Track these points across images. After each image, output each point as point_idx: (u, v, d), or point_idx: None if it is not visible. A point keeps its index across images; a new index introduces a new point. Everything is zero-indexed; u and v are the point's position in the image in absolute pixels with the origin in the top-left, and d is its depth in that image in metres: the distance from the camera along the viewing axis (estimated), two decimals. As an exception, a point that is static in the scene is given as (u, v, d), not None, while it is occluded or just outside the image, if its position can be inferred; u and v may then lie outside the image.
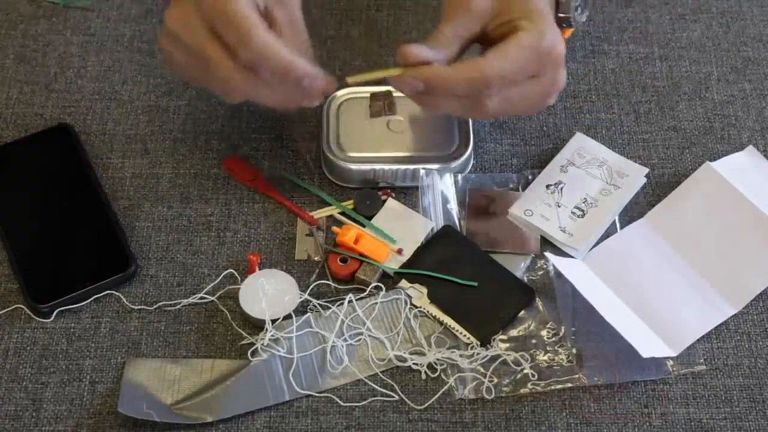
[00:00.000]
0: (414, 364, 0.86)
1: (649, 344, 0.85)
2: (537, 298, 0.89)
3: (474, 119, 0.96)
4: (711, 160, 0.96)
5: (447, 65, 0.85)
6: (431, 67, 0.85)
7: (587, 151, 0.96)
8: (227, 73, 0.84)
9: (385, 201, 0.94)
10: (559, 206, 0.93)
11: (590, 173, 0.95)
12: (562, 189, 0.94)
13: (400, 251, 0.91)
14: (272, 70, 0.83)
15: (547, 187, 0.94)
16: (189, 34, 0.84)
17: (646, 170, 0.95)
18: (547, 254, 0.90)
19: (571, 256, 0.91)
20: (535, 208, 0.93)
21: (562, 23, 0.93)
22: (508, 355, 0.86)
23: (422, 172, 0.95)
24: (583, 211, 0.93)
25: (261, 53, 0.82)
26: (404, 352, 0.86)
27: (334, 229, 0.92)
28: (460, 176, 0.96)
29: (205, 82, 0.87)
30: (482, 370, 0.86)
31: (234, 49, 0.83)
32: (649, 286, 0.90)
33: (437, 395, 0.85)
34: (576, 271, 0.89)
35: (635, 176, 0.95)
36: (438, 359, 0.86)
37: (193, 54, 0.85)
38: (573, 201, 0.93)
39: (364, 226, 0.92)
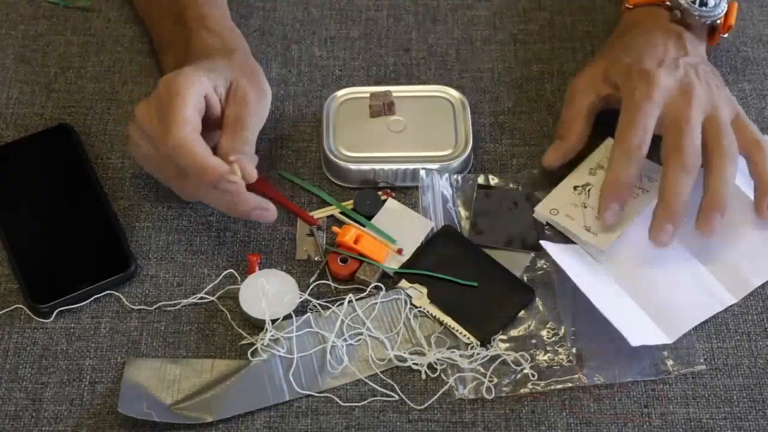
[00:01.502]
0: (414, 364, 0.86)
1: (642, 332, 0.86)
2: (537, 298, 0.90)
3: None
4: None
5: (581, 142, 0.95)
6: (603, 187, 0.91)
7: None
8: (167, 173, 0.87)
9: (385, 201, 0.94)
10: (585, 207, 0.93)
11: None
12: (589, 191, 0.94)
13: (400, 251, 0.91)
14: (188, 170, 0.85)
15: (575, 188, 0.94)
16: (149, 126, 0.86)
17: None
18: (542, 242, 0.90)
19: (590, 253, 0.91)
20: (561, 208, 0.93)
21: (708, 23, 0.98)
22: (508, 355, 0.86)
23: (422, 172, 0.95)
24: None
25: (176, 150, 0.84)
26: (404, 352, 0.86)
27: (334, 229, 0.92)
28: (459, 176, 0.96)
29: (161, 177, 0.90)
30: (482, 370, 0.86)
31: (157, 142, 0.85)
32: (650, 273, 0.91)
33: (437, 395, 0.85)
34: (570, 258, 0.89)
35: None
36: (438, 359, 0.86)
37: (155, 145, 0.87)
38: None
39: (364, 226, 0.92)
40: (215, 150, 0.87)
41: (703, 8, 0.96)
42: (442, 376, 0.86)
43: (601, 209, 0.90)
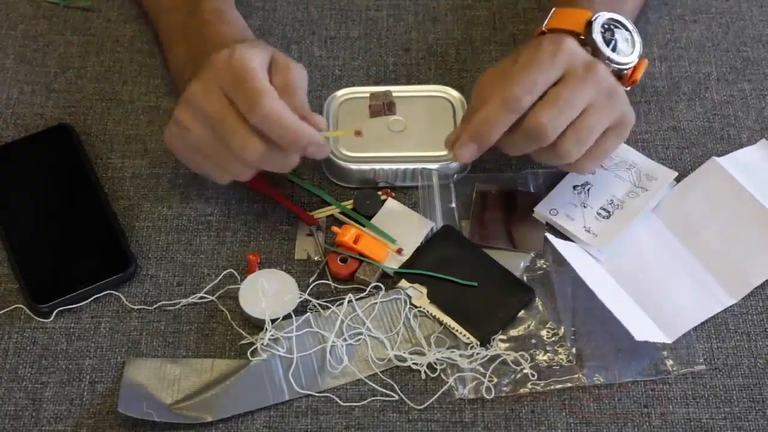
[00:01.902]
0: (414, 363, 0.86)
1: (644, 329, 0.86)
2: (537, 298, 0.90)
3: (571, 171, 0.94)
4: (711, 160, 0.97)
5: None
6: (467, 123, 0.89)
7: (616, 154, 0.96)
8: (242, 142, 0.85)
9: (385, 201, 0.94)
10: (585, 206, 0.93)
11: (618, 175, 0.95)
12: (588, 190, 0.94)
13: (399, 251, 0.91)
14: (280, 136, 0.84)
15: (574, 187, 0.94)
16: (209, 103, 0.85)
17: (675, 173, 0.95)
18: (548, 235, 0.90)
19: (591, 253, 0.91)
20: (561, 208, 0.93)
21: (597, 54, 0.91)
22: (507, 355, 0.86)
23: (422, 172, 0.95)
24: (608, 212, 0.93)
25: (270, 117, 0.84)
26: (404, 352, 0.86)
27: (334, 229, 0.92)
28: (459, 176, 0.96)
29: (216, 158, 0.88)
30: (482, 370, 0.86)
31: (247, 113, 0.84)
32: (650, 273, 0.91)
33: (437, 395, 0.85)
34: (576, 255, 0.89)
35: (663, 179, 0.95)
36: (438, 359, 0.86)
37: (211, 124, 0.86)
38: (599, 202, 0.93)
39: (364, 226, 0.92)
40: None
41: (614, 54, 0.90)
42: (442, 376, 0.86)
43: (459, 143, 0.88)
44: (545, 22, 0.93)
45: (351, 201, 0.95)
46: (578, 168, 0.90)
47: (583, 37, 0.90)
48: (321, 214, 0.94)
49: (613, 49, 0.91)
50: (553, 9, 0.94)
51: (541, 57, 0.87)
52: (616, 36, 0.91)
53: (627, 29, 0.92)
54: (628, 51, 0.91)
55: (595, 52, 0.90)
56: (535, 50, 0.87)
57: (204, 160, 0.89)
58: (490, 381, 0.85)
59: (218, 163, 0.88)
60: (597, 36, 0.90)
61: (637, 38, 0.93)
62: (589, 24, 0.91)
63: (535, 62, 0.87)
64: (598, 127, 0.87)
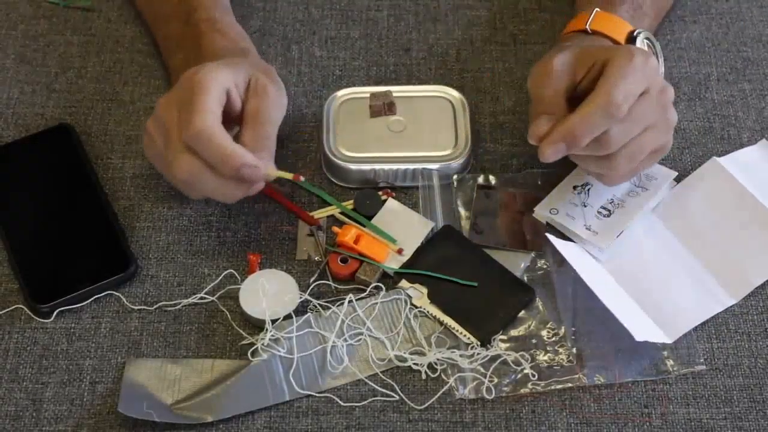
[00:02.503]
0: (414, 364, 0.86)
1: (644, 329, 0.86)
2: (537, 298, 0.90)
3: (602, 181, 0.92)
4: (711, 161, 0.97)
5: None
6: (562, 123, 0.85)
7: None
8: (172, 153, 0.85)
9: (385, 201, 0.94)
10: (585, 206, 0.93)
11: None
12: (588, 190, 0.94)
13: (400, 251, 0.91)
14: (209, 155, 0.84)
15: (575, 188, 0.94)
16: (166, 115, 0.86)
17: (675, 173, 0.95)
18: (548, 235, 0.90)
19: (591, 253, 0.91)
20: (561, 208, 0.93)
21: None
22: (508, 355, 0.86)
23: (422, 172, 0.95)
24: (609, 211, 0.93)
25: (200, 136, 0.83)
26: (404, 352, 0.86)
27: (334, 229, 0.92)
28: (459, 176, 0.96)
29: (160, 163, 0.88)
30: (482, 370, 0.86)
31: (181, 127, 0.84)
32: (650, 273, 0.91)
33: (437, 395, 0.85)
34: (576, 255, 0.89)
35: (663, 179, 0.95)
36: (438, 359, 0.86)
37: (163, 134, 0.86)
38: (599, 201, 0.93)
39: (364, 226, 0.92)
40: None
41: None
42: (443, 376, 0.86)
43: (549, 141, 0.85)
44: (589, 21, 0.94)
45: (351, 201, 0.95)
46: (610, 180, 0.90)
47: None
48: (321, 214, 0.94)
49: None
50: (594, 10, 0.94)
51: (636, 67, 0.85)
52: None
53: (655, 49, 0.95)
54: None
55: None
56: (628, 59, 0.85)
57: (158, 163, 0.89)
58: (491, 381, 0.85)
59: (160, 167, 0.89)
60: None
61: (661, 59, 0.96)
62: (632, 38, 0.93)
63: (631, 72, 0.85)
64: (649, 148, 0.88)
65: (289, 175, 0.87)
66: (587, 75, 0.87)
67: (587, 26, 0.93)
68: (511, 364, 0.86)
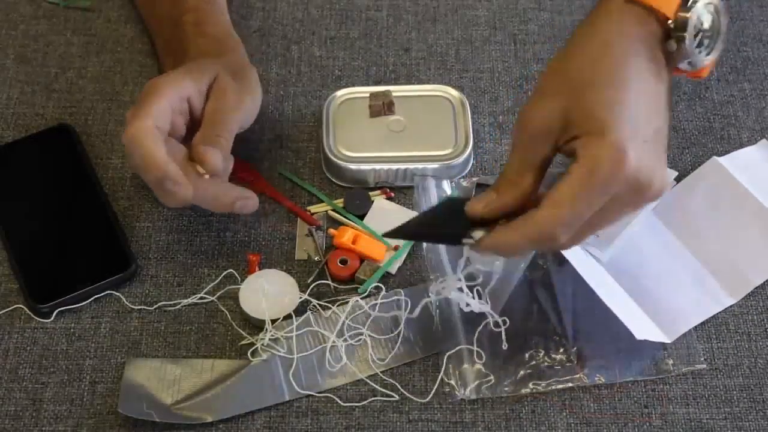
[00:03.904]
0: (415, 358, 0.86)
1: (644, 328, 0.86)
2: (537, 298, 0.89)
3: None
4: (711, 161, 0.97)
5: (524, 199, 0.75)
6: (494, 235, 0.75)
7: None
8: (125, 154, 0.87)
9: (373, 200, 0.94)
10: None
11: None
12: None
13: (396, 247, 0.91)
14: (137, 166, 0.84)
15: None
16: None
17: (675, 173, 0.95)
18: None
19: (591, 253, 0.91)
20: None
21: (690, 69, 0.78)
22: (508, 355, 0.86)
23: (416, 179, 0.94)
24: None
25: (131, 143, 0.83)
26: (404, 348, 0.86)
27: (331, 231, 0.92)
28: (458, 179, 0.96)
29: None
30: (483, 370, 0.86)
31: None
32: (650, 273, 0.91)
33: (437, 395, 0.85)
34: (577, 254, 0.89)
35: None
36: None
37: None
38: None
39: (359, 226, 0.92)
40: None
41: (699, 51, 0.75)
42: (443, 376, 0.86)
43: (480, 245, 0.76)
44: None
45: (341, 200, 0.94)
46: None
47: (671, 24, 0.73)
48: (317, 209, 0.94)
49: (699, 45, 0.75)
50: None
51: (596, 184, 0.71)
52: (704, 24, 0.74)
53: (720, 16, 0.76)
54: (710, 48, 0.76)
55: (680, 49, 0.75)
56: (591, 169, 0.71)
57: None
58: (491, 381, 0.85)
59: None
60: (690, 43, 0.74)
61: (727, 19, 0.77)
62: (686, 5, 0.73)
63: (587, 189, 0.71)
64: (607, 224, 0.76)
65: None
66: (569, 143, 0.74)
67: None
68: (511, 364, 0.86)
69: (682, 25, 0.73)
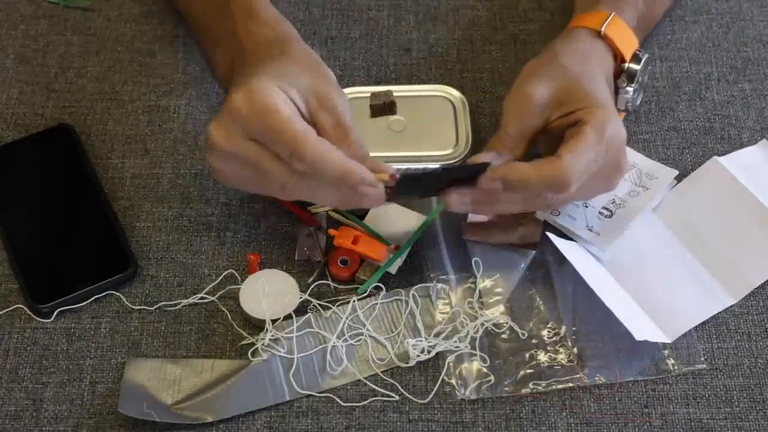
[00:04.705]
0: (416, 353, 0.86)
1: (644, 329, 0.86)
2: (537, 298, 0.89)
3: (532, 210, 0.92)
4: (711, 161, 0.97)
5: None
6: (513, 165, 0.84)
7: None
8: (283, 180, 0.83)
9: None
10: (586, 206, 0.93)
11: None
12: None
13: (396, 247, 0.91)
14: (327, 179, 0.82)
15: None
16: (239, 149, 0.83)
17: (676, 172, 0.95)
18: (549, 234, 0.90)
19: (592, 252, 0.91)
20: (562, 209, 0.93)
21: (619, 108, 0.95)
22: (508, 354, 0.86)
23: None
24: (611, 211, 0.93)
25: (315, 164, 0.81)
26: (404, 342, 0.86)
27: (331, 231, 0.92)
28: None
29: (260, 189, 0.87)
30: (483, 370, 0.86)
31: (288, 161, 0.82)
32: (650, 273, 0.91)
33: (437, 395, 0.85)
34: (577, 254, 0.89)
35: (664, 178, 0.95)
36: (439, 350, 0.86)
37: (248, 167, 0.84)
38: (601, 202, 0.93)
39: (360, 226, 0.92)
40: None
41: (633, 98, 0.95)
42: (444, 377, 0.86)
43: (485, 178, 0.84)
44: (605, 24, 0.92)
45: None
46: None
47: (624, 64, 0.93)
48: (317, 209, 0.94)
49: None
50: (612, 14, 0.93)
51: (602, 145, 0.84)
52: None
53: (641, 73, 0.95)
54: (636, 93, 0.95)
55: (625, 80, 0.93)
56: (600, 134, 0.84)
57: (249, 190, 0.89)
58: (491, 381, 0.85)
59: (267, 192, 0.87)
60: (638, 79, 0.94)
61: (646, 76, 0.98)
62: (637, 58, 0.93)
63: (596, 149, 0.84)
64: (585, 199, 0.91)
65: (385, 176, 0.85)
66: (561, 118, 0.87)
67: (602, 29, 0.92)
68: (511, 363, 0.86)
69: (633, 71, 0.94)
